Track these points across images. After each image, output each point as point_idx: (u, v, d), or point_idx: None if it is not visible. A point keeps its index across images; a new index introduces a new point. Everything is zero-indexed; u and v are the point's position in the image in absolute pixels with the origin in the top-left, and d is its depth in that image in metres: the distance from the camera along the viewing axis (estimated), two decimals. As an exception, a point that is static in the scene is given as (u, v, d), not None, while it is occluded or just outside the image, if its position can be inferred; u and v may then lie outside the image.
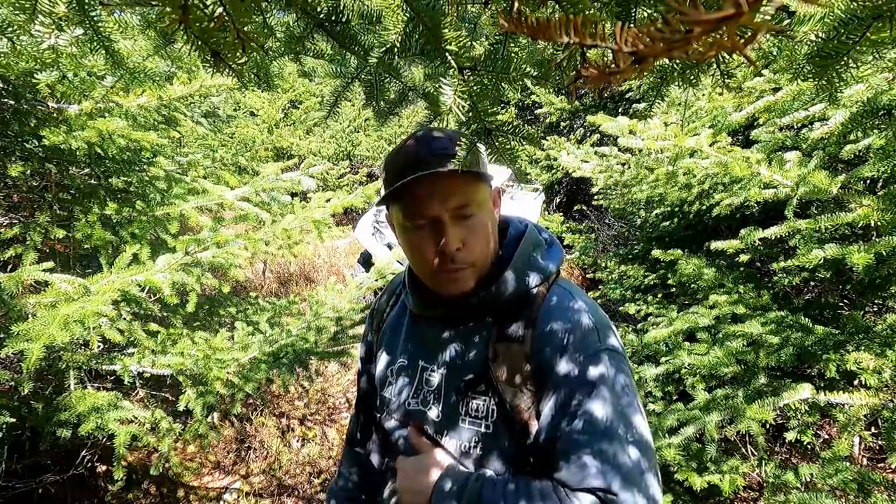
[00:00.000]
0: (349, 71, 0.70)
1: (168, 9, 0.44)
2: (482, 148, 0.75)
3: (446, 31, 0.55)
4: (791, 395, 1.44)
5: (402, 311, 0.99)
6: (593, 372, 0.75)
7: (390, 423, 0.93)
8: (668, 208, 2.77)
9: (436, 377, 0.87)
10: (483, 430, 0.81)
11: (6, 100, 1.75)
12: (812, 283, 2.35)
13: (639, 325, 2.36)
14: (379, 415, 0.97)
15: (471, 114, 0.56)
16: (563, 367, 0.76)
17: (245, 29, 0.48)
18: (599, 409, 0.73)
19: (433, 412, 0.85)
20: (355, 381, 1.16)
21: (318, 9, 0.58)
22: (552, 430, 0.74)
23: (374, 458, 1.04)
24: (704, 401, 1.63)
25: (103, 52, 0.65)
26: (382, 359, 0.98)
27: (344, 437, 3.05)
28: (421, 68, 0.69)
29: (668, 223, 2.92)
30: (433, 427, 0.85)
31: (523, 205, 5.23)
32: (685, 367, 1.77)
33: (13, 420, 1.55)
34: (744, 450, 2.02)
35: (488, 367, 0.80)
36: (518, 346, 0.80)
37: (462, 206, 0.78)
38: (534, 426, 0.78)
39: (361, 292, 2.46)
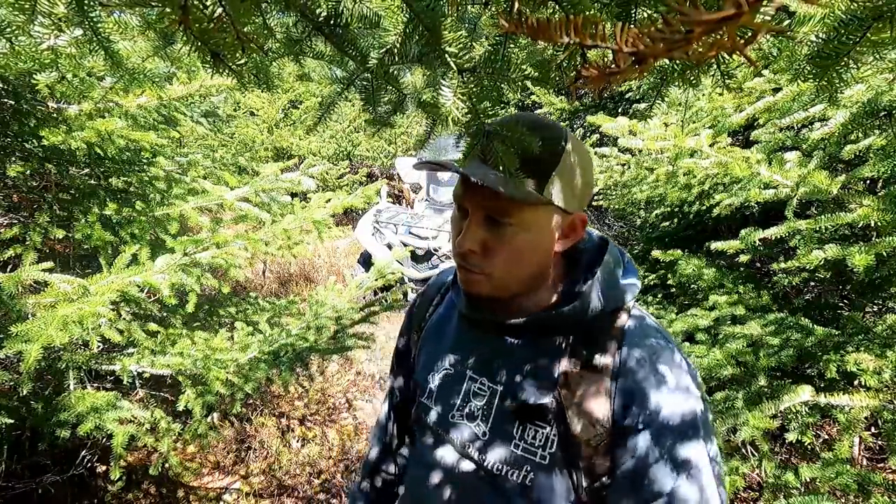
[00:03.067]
0: (345, 76, 0.69)
1: (168, 9, 0.44)
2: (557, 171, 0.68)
3: (446, 31, 0.55)
4: (791, 398, 1.44)
5: (448, 311, 0.91)
6: (691, 422, 0.67)
7: (428, 438, 0.84)
8: (668, 208, 2.78)
9: (485, 391, 0.78)
10: (538, 460, 0.72)
11: (6, 100, 1.75)
12: (812, 284, 2.35)
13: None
14: (414, 424, 0.90)
15: (470, 115, 0.56)
16: (658, 410, 0.68)
17: (245, 30, 0.48)
18: (693, 470, 0.65)
19: (479, 429, 0.77)
20: (387, 379, 1.04)
21: (318, 11, 0.58)
22: (636, 481, 0.67)
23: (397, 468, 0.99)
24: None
25: (103, 52, 0.64)
26: (424, 364, 0.89)
27: (346, 437, 3.05)
28: (420, 71, 0.69)
29: (668, 223, 2.92)
30: (477, 446, 0.77)
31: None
32: (685, 368, 1.76)
33: (12, 421, 1.55)
34: (744, 450, 2.02)
35: (558, 394, 0.72)
36: (597, 376, 0.71)
37: (498, 213, 0.71)
38: (600, 465, 0.70)
39: (361, 292, 2.46)
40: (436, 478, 0.81)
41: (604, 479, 0.70)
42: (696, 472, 0.65)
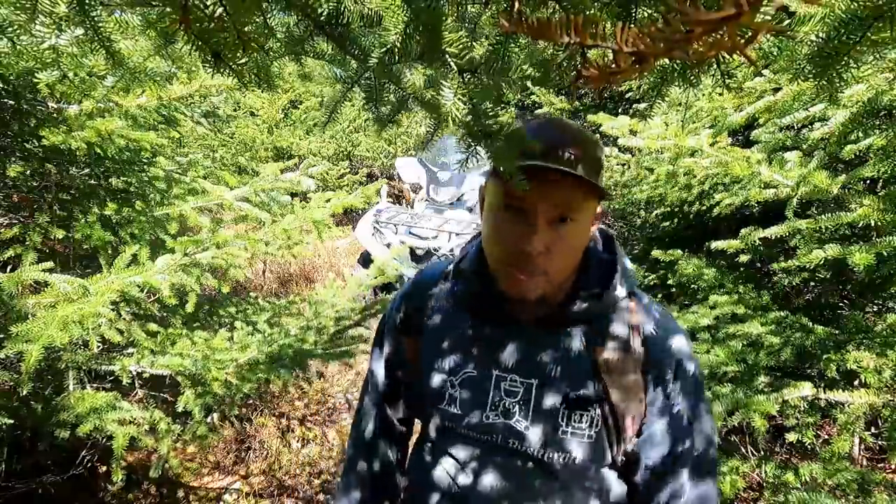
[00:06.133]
0: (349, 75, 0.69)
1: (168, 9, 0.44)
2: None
3: (446, 31, 0.55)
4: (792, 392, 1.44)
5: (450, 311, 0.87)
6: (702, 396, 0.81)
7: (457, 443, 0.83)
8: (669, 208, 2.77)
9: (519, 387, 0.79)
10: (585, 440, 0.77)
11: (6, 100, 1.74)
12: (812, 284, 2.35)
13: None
14: (436, 433, 0.88)
15: (471, 116, 0.56)
16: (676, 384, 0.78)
17: (245, 29, 0.48)
18: (704, 438, 0.80)
19: (521, 425, 0.78)
20: (369, 384, 1.00)
21: (319, 10, 0.58)
22: (662, 447, 0.79)
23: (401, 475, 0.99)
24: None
25: (104, 52, 0.64)
26: (434, 371, 0.85)
27: (346, 438, 3.05)
28: (421, 71, 0.69)
29: (668, 223, 2.92)
30: (522, 440, 0.78)
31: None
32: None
33: (12, 421, 1.55)
34: (744, 450, 2.02)
35: (600, 378, 0.76)
36: (627, 355, 0.77)
37: (565, 212, 0.70)
38: (633, 429, 0.79)
39: (361, 291, 2.46)
40: (471, 476, 0.81)
41: (635, 439, 0.79)
42: (705, 420, 0.80)
